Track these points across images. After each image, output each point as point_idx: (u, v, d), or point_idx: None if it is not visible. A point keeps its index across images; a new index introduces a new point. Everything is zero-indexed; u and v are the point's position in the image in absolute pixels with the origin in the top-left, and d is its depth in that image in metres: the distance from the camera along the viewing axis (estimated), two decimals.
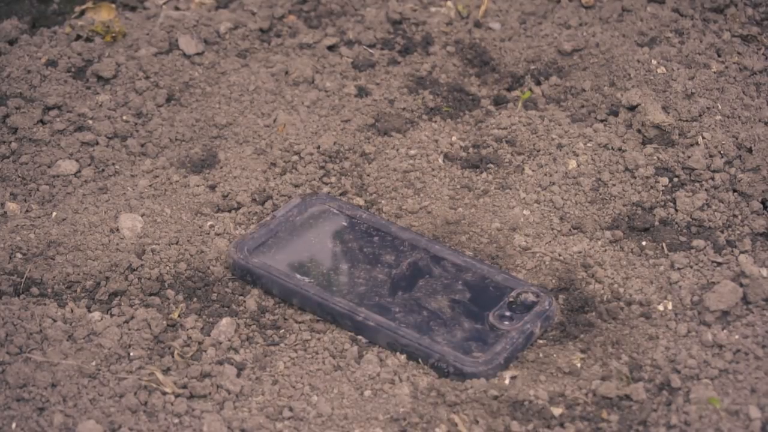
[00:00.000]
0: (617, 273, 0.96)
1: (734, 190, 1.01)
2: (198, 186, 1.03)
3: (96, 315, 0.90)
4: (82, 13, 1.21)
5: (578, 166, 1.04)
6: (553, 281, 0.96)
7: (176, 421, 0.83)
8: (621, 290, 0.95)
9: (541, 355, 0.90)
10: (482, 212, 1.02)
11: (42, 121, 1.08)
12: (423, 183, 1.04)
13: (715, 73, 1.12)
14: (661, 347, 0.89)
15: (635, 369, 0.88)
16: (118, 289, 0.93)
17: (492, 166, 1.06)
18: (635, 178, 1.03)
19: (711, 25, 1.19)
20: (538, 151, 1.06)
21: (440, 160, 1.06)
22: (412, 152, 1.07)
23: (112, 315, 0.91)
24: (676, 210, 1.00)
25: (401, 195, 1.03)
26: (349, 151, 1.07)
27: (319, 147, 1.07)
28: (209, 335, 0.90)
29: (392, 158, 1.06)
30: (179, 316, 0.92)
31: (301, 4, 1.23)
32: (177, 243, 0.98)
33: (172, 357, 0.88)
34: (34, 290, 0.93)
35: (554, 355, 0.90)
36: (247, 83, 1.13)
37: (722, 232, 0.98)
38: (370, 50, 1.18)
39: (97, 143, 1.07)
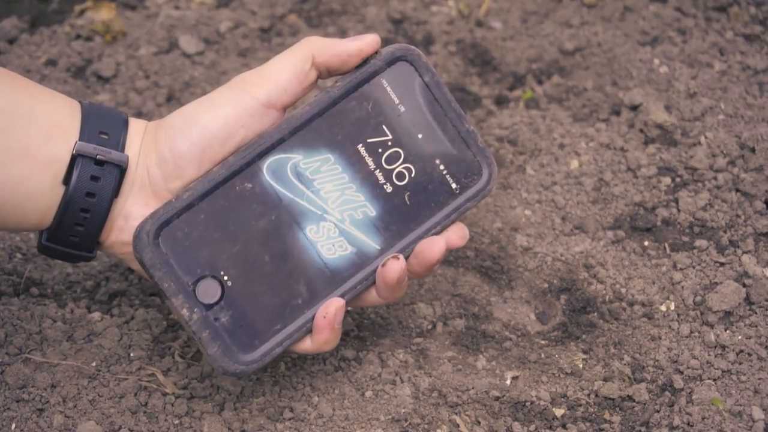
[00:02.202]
0: (619, 273, 0.96)
1: (737, 190, 1.00)
2: None
3: (96, 315, 0.90)
4: (82, 12, 1.21)
5: (580, 165, 1.04)
6: (555, 281, 0.96)
7: (176, 422, 0.82)
8: (623, 290, 0.94)
9: (543, 355, 0.90)
10: (484, 212, 1.02)
11: None
12: None
13: (717, 72, 1.12)
14: (664, 348, 0.89)
15: (637, 370, 0.88)
16: (118, 290, 0.93)
17: None
18: (637, 177, 1.02)
19: (714, 25, 1.19)
20: (540, 150, 1.06)
21: None
22: None
23: (112, 315, 0.91)
24: (679, 210, 1.00)
25: None
26: None
27: None
28: None
29: None
30: None
31: (301, 4, 1.23)
32: None
33: (173, 358, 0.87)
34: (34, 290, 0.93)
35: (556, 356, 0.90)
36: None
37: (725, 232, 0.98)
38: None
39: None
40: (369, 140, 0.79)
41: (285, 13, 1.22)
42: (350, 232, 0.79)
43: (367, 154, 0.79)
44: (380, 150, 0.80)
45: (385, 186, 0.80)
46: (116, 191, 0.77)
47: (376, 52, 0.80)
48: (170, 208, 0.77)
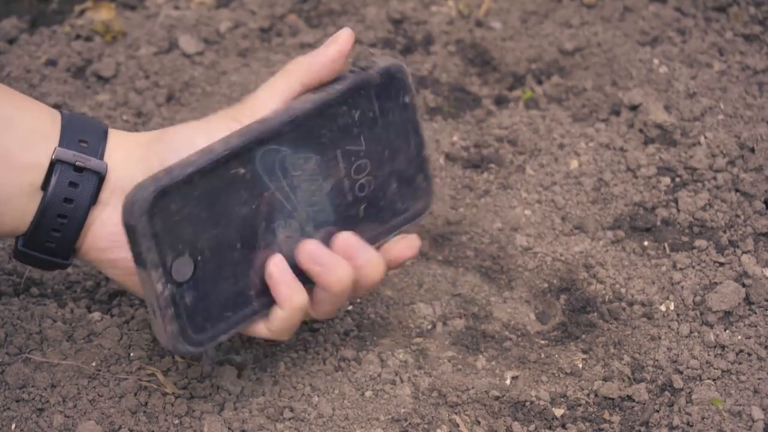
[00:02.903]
0: (619, 273, 0.96)
1: (737, 190, 1.00)
2: None
3: (96, 315, 0.90)
4: (82, 12, 1.21)
5: (580, 165, 1.04)
6: (555, 281, 0.96)
7: (176, 422, 0.82)
8: (623, 290, 0.94)
9: (542, 355, 0.90)
10: (483, 212, 1.02)
11: None
12: None
13: (717, 72, 1.12)
14: (663, 348, 0.89)
15: (637, 369, 0.88)
16: (118, 290, 0.93)
17: (493, 165, 1.06)
18: (637, 177, 1.03)
19: (713, 25, 1.19)
20: (540, 150, 1.06)
21: (441, 160, 1.06)
22: None
23: (112, 315, 0.91)
24: (678, 210, 1.00)
25: None
26: None
27: None
28: None
29: None
30: None
31: (301, 4, 1.23)
32: None
33: (172, 358, 0.87)
34: (34, 290, 0.93)
35: (556, 356, 0.90)
36: (247, 83, 1.13)
37: (724, 232, 0.98)
38: (371, 50, 1.18)
39: None
40: (347, 147, 0.80)
41: (285, 13, 1.22)
42: (310, 234, 0.79)
43: (342, 161, 0.80)
44: (353, 159, 0.80)
45: (347, 195, 0.81)
46: (94, 198, 0.77)
47: (373, 63, 0.80)
48: (169, 178, 0.74)
